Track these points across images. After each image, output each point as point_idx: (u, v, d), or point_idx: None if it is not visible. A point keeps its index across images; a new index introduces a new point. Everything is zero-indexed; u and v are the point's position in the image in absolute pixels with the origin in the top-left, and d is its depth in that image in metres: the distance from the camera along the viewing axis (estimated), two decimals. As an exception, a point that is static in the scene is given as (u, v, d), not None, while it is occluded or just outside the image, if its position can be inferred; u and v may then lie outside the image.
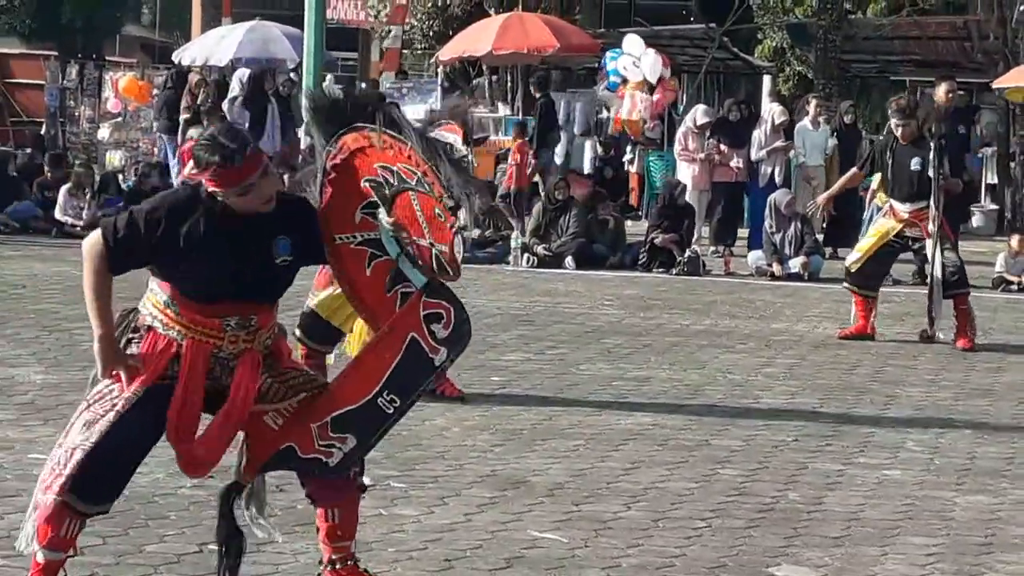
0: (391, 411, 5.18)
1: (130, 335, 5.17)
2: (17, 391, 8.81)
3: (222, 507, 5.30)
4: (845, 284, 12.53)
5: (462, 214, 5.21)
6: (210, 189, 5.06)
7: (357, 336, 8.50)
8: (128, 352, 5.11)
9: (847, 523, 6.86)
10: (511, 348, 11.24)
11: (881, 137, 13.44)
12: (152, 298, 5.17)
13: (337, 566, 5.43)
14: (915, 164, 11.94)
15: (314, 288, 8.56)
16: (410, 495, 6.99)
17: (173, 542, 6.05)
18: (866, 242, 12.39)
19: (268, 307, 5.23)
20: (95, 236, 5.07)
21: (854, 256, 12.43)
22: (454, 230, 5.15)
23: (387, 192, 5.20)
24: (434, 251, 5.17)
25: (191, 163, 5.21)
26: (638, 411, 9.12)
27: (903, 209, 12.06)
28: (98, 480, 5.03)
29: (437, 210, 5.17)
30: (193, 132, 20.04)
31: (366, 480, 6.93)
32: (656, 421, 8.85)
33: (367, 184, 5.23)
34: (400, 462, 7.58)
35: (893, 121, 12.25)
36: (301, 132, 21.86)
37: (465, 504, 6.88)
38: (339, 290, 8.28)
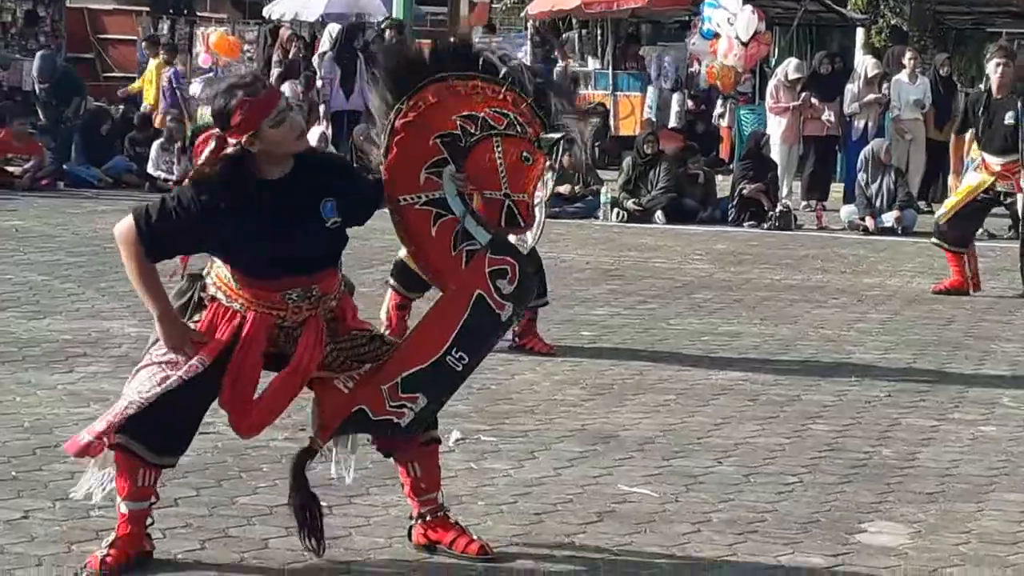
0: (460, 368, 5.19)
1: (197, 301, 5.19)
2: (112, 343, 8.91)
3: (295, 473, 5.32)
4: (933, 240, 12.39)
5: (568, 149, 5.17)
6: (243, 140, 4.95)
7: None
8: (192, 321, 5.14)
9: (941, 479, 6.79)
10: (601, 303, 11.21)
11: (973, 90, 13.22)
12: (215, 269, 5.19)
13: (427, 518, 5.46)
14: (1009, 118, 11.76)
15: None
16: (500, 449, 7.00)
17: (266, 494, 6.09)
18: (956, 196, 12.23)
19: (329, 272, 5.22)
20: (127, 222, 5.03)
21: (943, 210, 12.29)
22: (539, 174, 5.13)
23: (463, 144, 5.18)
24: (507, 202, 5.16)
25: (215, 123, 5.06)
26: (728, 366, 9.08)
27: (995, 162, 11.89)
28: (159, 429, 5.06)
29: (524, 153, 5.14)
30: (287, 87, 20.20)
31: (456, 434, 7.03)
32: (747, 376, 8.80)
33: (437, 140, 5.19)
34: (490, 416, 7.59)
35: (993, 62, 12.03)
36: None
37: (555, 458, 6.87)
38: None
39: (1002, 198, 12.16)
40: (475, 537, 5.47)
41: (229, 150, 5.01)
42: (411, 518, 5.53)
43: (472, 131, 5.19)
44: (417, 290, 8.88)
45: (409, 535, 5.53)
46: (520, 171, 5.17)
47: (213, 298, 5.17)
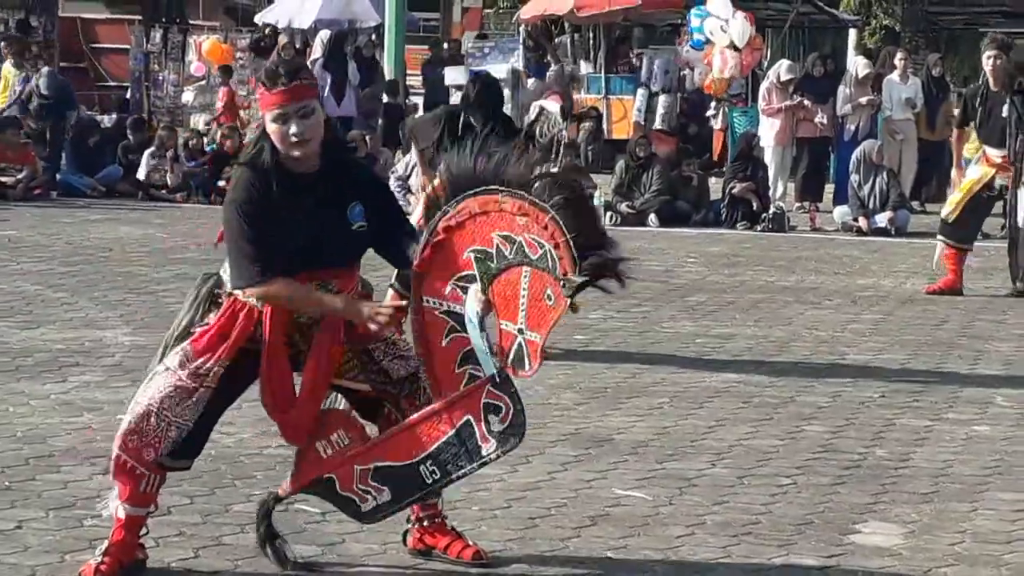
0: (430, 481, 5.15)
1: (212, 298, 5.20)
2: (105, 353, 8.90)
3: (260, 516, 5.35)
4: (939, 237, 12.38)
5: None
6: (260, 114, 5.13)
7: None
8: (207, 320, 5.16)
9: (935, 479, 6.80)
10: (594, 306, 11.14)
11: (971, 85, 13.25)
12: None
13: (425, 523, 5.47)
14: (1006, 111, 11.78)
15: None
16: (494, 453, 6.98)
17: (259, 501, 6.08)
18: (960, 192, 12.24)
19: (347, 272, 5.22)
20: (252, 289, 5.04)
21: (949, 208, 12.30)
22: (557, 318, 4.95)
23: (493, 266, 5.04)
24: (520, 339, 5.03)
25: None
26: (722, 368, 9.08)
27: (995, 155, 11.92)
28: (183, 441, 5.11)
29: (549, 291, 4.96)
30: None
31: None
32: (740, 378, 8.80)
33: (471, 255, 5.08)
34: (484, 421, 7.57)
35: (986, 55, 12.06)
36: (384, 96, 21.93)
37: (549, 462, 6.87)
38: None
39: (1003, 192, 12.17)
40: (470, 543, 5.47)
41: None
42: (408, 521, 5.53)
43: (506, 254, 5.03)
44: None
45: (404, 539, 5.53)
46: (540, 310, 5.00)
47: (230, 294, 5.16)
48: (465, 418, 5.09)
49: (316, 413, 5.22)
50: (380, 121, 21.39)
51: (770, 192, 17.64)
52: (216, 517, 5.87)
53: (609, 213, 16.76)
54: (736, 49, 19.92)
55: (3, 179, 17.47)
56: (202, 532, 5.69)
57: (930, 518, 6.22)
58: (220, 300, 5.18)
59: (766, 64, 22.98)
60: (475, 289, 5.08)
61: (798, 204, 18.44)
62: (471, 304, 5.08)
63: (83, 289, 11.15)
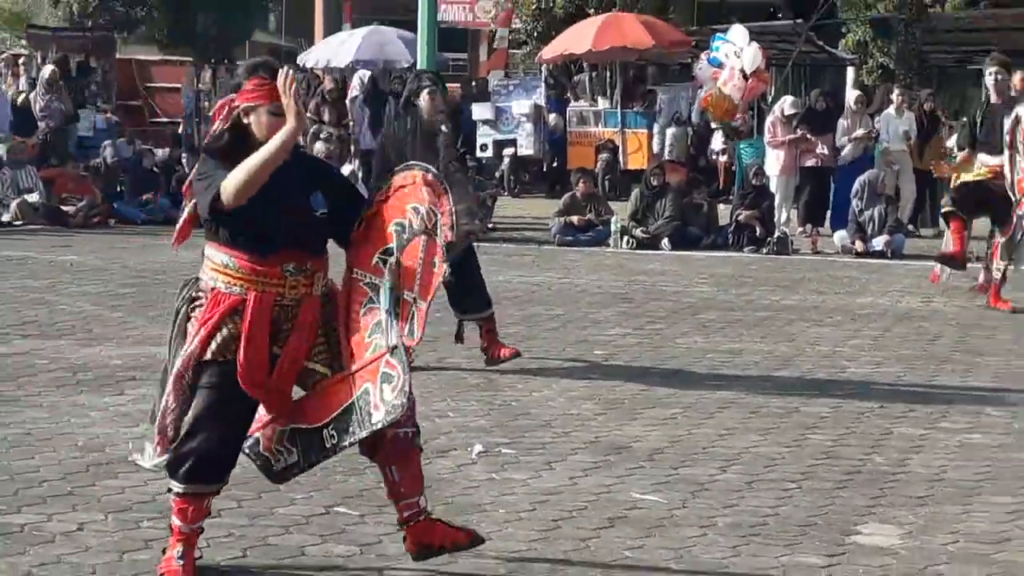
0: (329, 446, 5.07)
1: (195, 295, 5.15)
2: (159, 368, 8.86)
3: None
4: (945, 209, 12.57)
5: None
6: (243, 105, 5.01)
7: None
8: (192, 314, 5.14)
9: (931, 484, 6.76)
10: (612, 324, 11.20)
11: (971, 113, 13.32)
12: (210, 264, 5.12)
13: (412, 523, 5.24)
14: (1008, 124, 11.80)
15: None
16: (519, 461, 6.99)
17: (303, 505, 6.09)
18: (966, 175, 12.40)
19: (319, 256, 5.14)
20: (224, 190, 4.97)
21: (953, 184, 12.57)
22: (437, 284, 4.97)
23: (405, 237, 5.03)
24: (413, 308, 5.00)
25: (237, 83, 5.14)
26: (732, 381, 9.05)
27: (992, 161, 11.98)
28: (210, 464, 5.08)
29: (436, 259, 4.99)
30: (319, 146, 20.28)
31: (478, 447, 7.05)
32: (748, 390, 8.77)
33: (393, 229, 5.07)
34: (510, 430, 7.58)
35: (989, 71, 12.22)
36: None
37: (571, 469, 6.86)
38: None
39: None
40: (459, 527, 5.32)
41: (228, 122, 5.05)
42: (400, 527, 5.30)
43: (414, 225, 5.04)
44: None
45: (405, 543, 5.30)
46: (428, 277, 5.00)
47: (212, 288, 5.10)
48: (364, 386, 4.98)
49: (291, 385, 5.12)
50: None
51: (775, 218, 17.64)
52: (262, 520, 5.87)
53: (626, 237, 16.79)
54: (744, 77, 19.88)
55: (66, 208, 17.57)
56: (249, 533, 5.69)
57: (926, 520, 6.19)
58: (205, 296, 5.11)
59: (771, 99, 22.95)
60: (394, 261, 5.03)
61: (800, 229, 18.42)
62: (390, 275, 5.01)
63: (139, 309, 11.18)
